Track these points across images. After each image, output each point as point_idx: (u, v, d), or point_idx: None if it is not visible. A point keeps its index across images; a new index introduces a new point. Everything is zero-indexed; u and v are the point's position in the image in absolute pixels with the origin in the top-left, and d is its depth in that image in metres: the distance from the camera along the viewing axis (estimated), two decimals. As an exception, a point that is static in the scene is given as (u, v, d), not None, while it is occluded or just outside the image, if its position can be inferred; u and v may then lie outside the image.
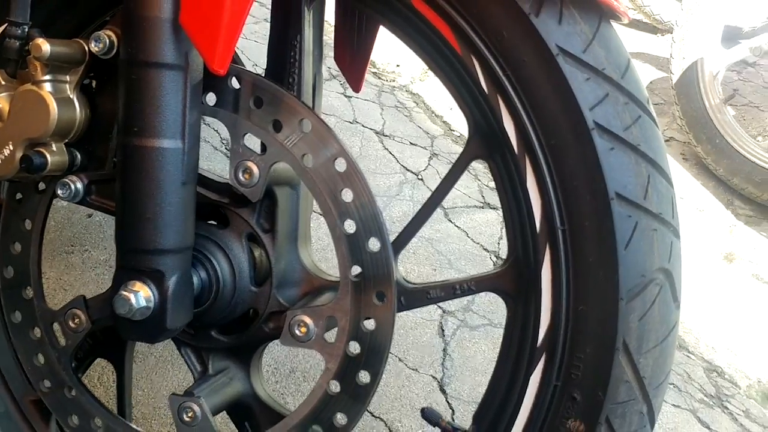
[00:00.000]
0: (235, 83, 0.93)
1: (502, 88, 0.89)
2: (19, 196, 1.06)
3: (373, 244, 0.92)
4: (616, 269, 0.87)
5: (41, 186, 1.05)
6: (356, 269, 0.93)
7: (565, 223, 0.89)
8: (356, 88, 1.30)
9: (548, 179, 0.89)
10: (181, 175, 0.87)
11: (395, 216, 2.47)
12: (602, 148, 0.85)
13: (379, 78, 3.46)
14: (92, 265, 1.93)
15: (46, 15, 1.10)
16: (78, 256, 1.95)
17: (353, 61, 1.27)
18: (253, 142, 0.94)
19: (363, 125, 2.95)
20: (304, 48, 1.04)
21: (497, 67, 0.89)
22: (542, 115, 0.88)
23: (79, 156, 0.97)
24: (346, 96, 3.12)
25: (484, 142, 0.96)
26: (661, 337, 0.90)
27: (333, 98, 3.07)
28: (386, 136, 2.92)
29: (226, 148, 2.50)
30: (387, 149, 2.82)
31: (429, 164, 2.85)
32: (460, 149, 3.03)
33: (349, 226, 0.92)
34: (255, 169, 0.93)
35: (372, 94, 3.20)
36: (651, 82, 4.28)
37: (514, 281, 0.96)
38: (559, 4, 0.87)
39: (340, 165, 0.92)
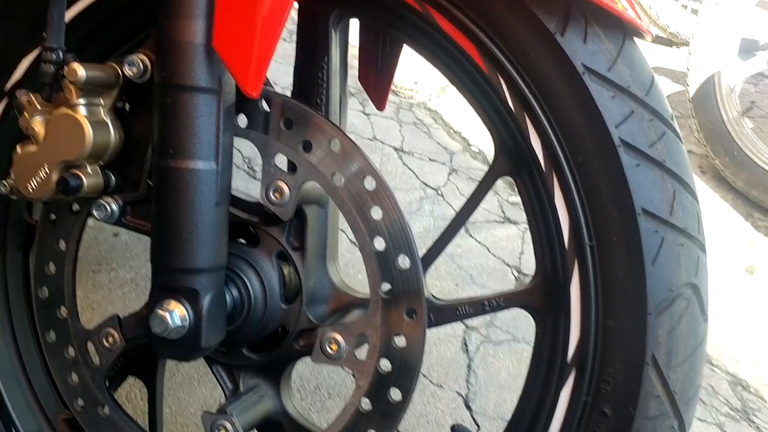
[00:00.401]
0: (265, 105, 0.94)
1: (529, 106, 0.91)
2: (53, 217, 1.08)
3: (403, 261, 0.93)
4: (644, 284, 0.88)
5: (75, 207, 1.07)
6: (386, 286, 0.94)
7: (593, 239, 0.90)
8: (380, 107, 1.31)
9: (576, 196, 0.90)
10: (215, 195, 0.89)
11: (416, 232, 2.48)
12: (628, 164, 0.86)
13: (397, 95, 3.49)
14: (119, 284, 1.96)
15: (78, 39, 1.12)
16: (105, 275, 1.98)
17: (377, 80, 1.29)
18: (283, 161, 0.96)
19: (382, 142, 2.97)
20: (331, 68, 1.06)
21: (524, 86, 0.90)
22: (569, 133, 0.89)
23: (113, 178, 0.99)
24: (365, 113, 3.15)
25: (510, 159, 0.97)
26: (690, 351, 0.91)
27: (352, 116, 3.10)
28: (405, 152, 2.93)
29: (248, 167, 2.52)
30: (407, 166, 2.84)
31: (448, 180, 2.86)
32: (479, 165, 3.04)
33: (379, 243, 0.94)
34: (285, 189, 0.94)
35: (390, 111, 3.22)
36: (668, 96, 4.26)
37: (542, 297, 0.97)
38: (584, 23, 0.88)
39: (369, 183, 0.93)
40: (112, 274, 1.98)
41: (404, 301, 0.94)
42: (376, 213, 0.93)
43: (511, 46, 0.90)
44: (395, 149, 2.94)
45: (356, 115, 3.11)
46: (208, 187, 0.88)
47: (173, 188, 0.88)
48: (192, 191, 0.87)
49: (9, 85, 1.13)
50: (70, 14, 1.08)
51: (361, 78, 1.29)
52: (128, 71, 0.93)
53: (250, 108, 0.95)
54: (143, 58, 0.93)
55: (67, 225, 1.07)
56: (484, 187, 1.01)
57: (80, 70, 0.90)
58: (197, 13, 0.86)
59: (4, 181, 1.00)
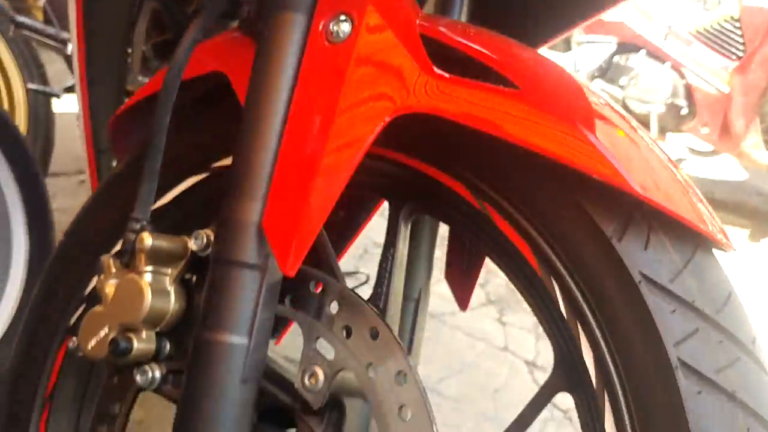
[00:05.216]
0: (312, 288, 0.94)
1: (582, 315, 0.83)
2: (115, 379, 1.10)
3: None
4: None
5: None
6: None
7: (647, 475, 0.77)
8: (463, 307, 1.28)
9: (627, 422, 0.78)
10: (241, 371, 0.87)
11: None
12: (687, 391, 0.75)
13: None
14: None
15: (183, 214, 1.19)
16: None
17: (461, 281, 1.26)
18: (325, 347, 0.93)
19: (514, 354, 2.85)
20: (395, 262, 1.04)
21: (576, 292, 0.84)
22: (622, 348, 0.80)
23: (167, 346, 1.00)
24: (500, 322, 3.07)
25: (567, 373, 0.88)
26: None
27: (487, 323, 3.03)
28: (538, 367, 2.78)
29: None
30: (536, 382, 2.68)
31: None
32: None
33: (408, 447, 0.86)
34: (321, 375, 0.91)
35: (530, 322, 3.12)
36: None
37: None
38: (647, 231, 0.81)
39: (403, 380, 0.88)
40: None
41: None
42: (406, 413, 0.87)
43: (564, 248, 0.85)
44: (527, 363, 2.80)
45: (491, 323, 3.04)
46: (235, 361, 0.86)
47: (200, 359, 0.87)
48: (217, 364, 0.86)
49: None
50: (176, 192, 1.17)
51: (447, 276, 1.27)
52: (193, 245, 0.97)
53: (299, 289, 0.95)
54: (208, 233, 0.96)
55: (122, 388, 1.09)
56: (537, 404, 0.91)
57: (148, 240, 0.95)
58: (254, 194, 0.89)
59: (74, 338, 1.04)
